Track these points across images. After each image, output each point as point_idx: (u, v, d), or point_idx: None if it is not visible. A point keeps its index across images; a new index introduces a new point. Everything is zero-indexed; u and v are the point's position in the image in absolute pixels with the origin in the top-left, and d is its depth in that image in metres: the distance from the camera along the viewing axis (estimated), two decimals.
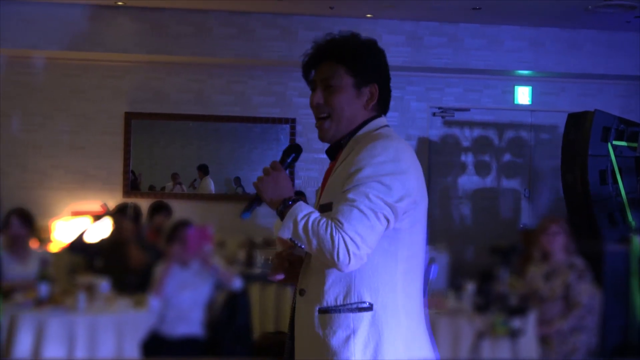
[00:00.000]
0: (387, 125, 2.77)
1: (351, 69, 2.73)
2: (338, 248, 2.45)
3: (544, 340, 5.91)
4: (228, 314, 6.18)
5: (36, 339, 5.34)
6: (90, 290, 5.71)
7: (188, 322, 5.91)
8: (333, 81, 2.74)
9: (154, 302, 5.79)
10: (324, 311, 2.61)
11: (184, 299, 5.91)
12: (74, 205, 9.69)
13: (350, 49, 2.76)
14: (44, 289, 5.63)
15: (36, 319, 5.37)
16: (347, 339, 2.57)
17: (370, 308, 2.57)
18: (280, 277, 2.83)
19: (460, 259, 9.81)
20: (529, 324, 5.65)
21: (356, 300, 2.57)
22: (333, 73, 2.74)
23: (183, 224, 6.08)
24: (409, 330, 2.63)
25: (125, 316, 5.62)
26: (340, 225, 2.46)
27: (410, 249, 2.64)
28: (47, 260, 6.20)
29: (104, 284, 5.80)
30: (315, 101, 2.77)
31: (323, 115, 2.76)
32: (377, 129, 2.73)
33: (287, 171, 2.78)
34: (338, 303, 2.59)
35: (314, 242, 2.49)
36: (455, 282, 6.18)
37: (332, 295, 2.60)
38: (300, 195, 2.67)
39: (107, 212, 7.15)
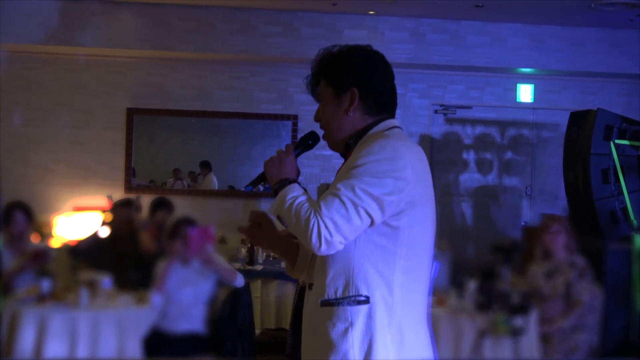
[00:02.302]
0: (396, 127, 2.80)
1: (329, 80, 2.83)
2: (311, 231, 2.52)
3: (545, 339, 5.92)
4: (229, 310, 6.19)
5: (38, 334, 5.36)
6: (92, 286, 5.72)
7: (190, 319, 5.92)
8: (320, 96, 2.86)
9: (155, 298, 5.80)
10: (326, 304, 2.67)
11: (186, 296, 5.92)
12: (75, 200, 9.70)
13: (327, 61, 2.85)
14: (46, 285, 5.63)
15: (38, 314, 5.39)
16: (346, 331, 2.62)
17: (367, 301, 2.62)
18: (246, 231, 2.98)
19: (461, 257, 9.81)
20: (531, 323, 5.66)
21: (354, 294, 2.62)
22: (322, 89, 2.85)
23: (185, 222, 6.09)
24: (404, 328, 2.66)
25: (127, 312, 5.63)
26: (319, 210, 2.53)
27: (411, 248, 2.67)
28: (49, 255, 6.20)
29: (105, 280, 5.81)
30: (314, 118, 2.90)
31: (323, 128, 2.88)
32: (385, 131, 2.76)
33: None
34: (338, 296, 2.64)
35: (294, 221, 2.57)
36: (456, 280, 6.18)
37: (332, 288, 2.66)
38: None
39: (114, 206, 7.13)
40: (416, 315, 2.73)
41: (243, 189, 2.85)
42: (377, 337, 2.61)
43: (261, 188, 2.89)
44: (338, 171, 2.78)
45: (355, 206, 2.54)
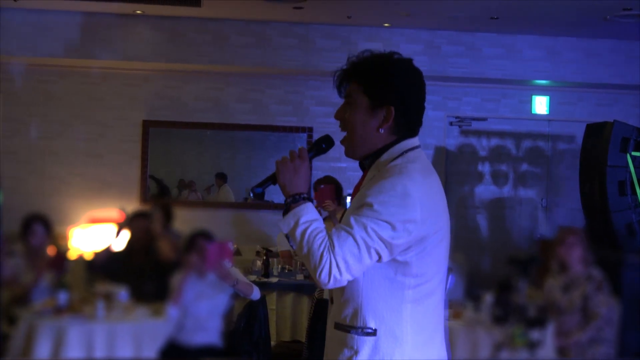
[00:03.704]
0: (414, 148, 2.74)
1: (367, 89, 2.73)
2: (322, 268, 2.50)
3: (562, 352, 5.89)
4: (245, 323, 6.19)
5: (55, 346, 5.36)
6: (109, 298, 5.73)
7: (206, 331, 5.91)
8: (352, 98, 2.76)
9: (172, 311, 5.79)
10: (338, 327, 2.68)
11: (202, 308, 5.91)
12: (91, 212, 9.72)
13: (367, 69, 2.75)
14: (62, 297, 5.65)
15: (55, 327, 5.40)
16: (350, 359, 2.63)
17: (374, 333, 2.61)
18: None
19: (477, 269, 9.79)
20: (547, 336, 5.63)
21: (361, 325, 2.62)
22: (353, 91, 2.76)
23: (202, 235, 6.08)
24: (415, 356, 2.62)
25: (144, 325, 5.63)
26: (332, 248, 2.50)
27: (420, 279, 2.64)
28: (66, 267, 6.23)
29: (122, 293, 5.82)
30: (335, 114, 2.81)
31: (344, 130, 2.79)
32: (402, 154, 2.70)
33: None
34: (347, 323, 2.65)
35: (305, 249, 2.54)
36: (473, 293, 6.16)
37: (343, 313, 2.67)
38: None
39: (130, 218, 7.12)
40: (429, 339, 2.70)
41: (250, 191, 2.81)
42: None
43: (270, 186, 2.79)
44: (357, 189, 2.76)
45: (368, 247, 2.52)
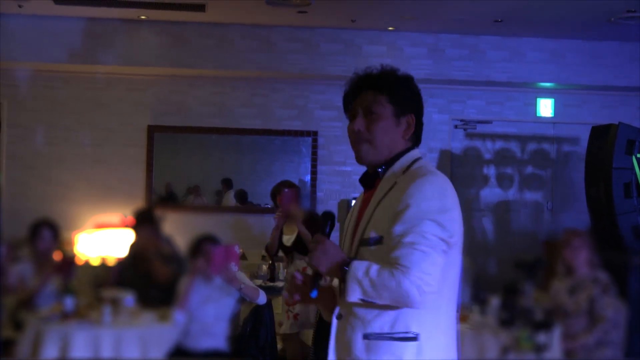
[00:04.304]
0: (421, 158, 2.84)
1: (391, 98, 2.81)
2: (409, 292, 2.53)
3: (569, 355, 5.88)
4: (252, 327, 6.19)
5: (62, 352, 5.36)
6: (115, 303, 5.73)
7: (212, 336, 5.91)
8: (375, 108, 2.82)
9: (178, 316, 5.80)
10: (369, 337, 2.67)
11: (208, 313, 5.91)
12: (97, 217, 9.73)
13: (391, 79, 2.85)
14: (69, 303, 5.65)
15: (62, 332, 5.40)
16: None
17: (415, 338, 2.63)
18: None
19: (483, 273, 9.77)
20: (554, 339, 5.62)
21: (403, 330, 2.63)
22: (375, 101, 2.81)
23: (208, 240, 6.08)
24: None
25: (150, 330, 5.63)
26: (407, 269, 2.54)
27: (452, 280, 2.71)
28: (74, 266, 6.24)
29: (128, 298, 5.82)
30: (356, 127, 2.83)
31: (363, 140, 2.82)
32: (414, 161, 2.80)
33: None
34: (384, 331, 2.65)
35: (385, 295, 2.57)
36: (479, 296, 6.15)
37: (378, 322, 2.66)
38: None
39: (135, 224, 7.09)
40: (453, 339, 2.76)
41: (311, 296, 2.80)
42: None
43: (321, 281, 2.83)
44: (366, 203, 2.80)
45: (436, 249, 2.58)
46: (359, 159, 2.85)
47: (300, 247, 7.17)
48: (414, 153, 2.84)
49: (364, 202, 2.85)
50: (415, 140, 2.87)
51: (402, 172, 2.77)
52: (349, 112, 2.89)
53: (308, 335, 7.55)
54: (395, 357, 2.62)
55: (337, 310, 2.78)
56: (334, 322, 2.77)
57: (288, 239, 7.33)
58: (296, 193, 7.60)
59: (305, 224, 7.50)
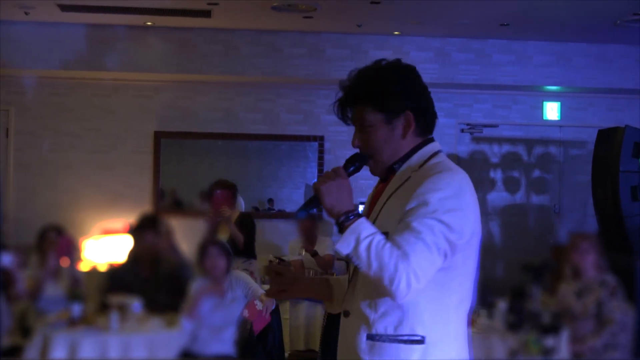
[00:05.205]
0: (440, 151, 2.72)
1: (376, 105, 2.65)
2: (400, 279, 2.39)
3: (577, 358, 5.87)
4: (259, 332, 6.18)
5: (69, 358, 5.37)
6: (123, 310, 5.73)
7: (220, 341, 5.92)
8: (364, 122, 2.67)
9: (186, 323, 5.79)
10: (373, 338, 2.57)
11: (216, 318, 5.92)
12: (104, 223, 9.75)
13: (372, 85, 2.67)
14: (76, 309, 5.66)
15: (69, 339, 5.40)
16: None
17: (422, 341, 2.52)
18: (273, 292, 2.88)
19: (490, 276, 9.76)
20: (562, 342, 5.60)
21: (408, 332, 2.53)
22: (363, 114, 2.67)
23: (212, 244, 6.10)
24: None
25: (158, 336, 5.63)
26: (406, 256, 2.40)
27: (463, 282, 2.60)
28: (79, 279, 6.24)
29: (136, 304, 5.82)
30: (354, 144, 2.72)
31: (367, 154, 2.70)
32: (433, 155, 2.67)
33: None
34: (388, 332, 2.55)
35: (374, 265, 2.42)
36: (486, 300, 6.14)
37: (382, 323, 2.56)
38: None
39: (136, 230, 7.08)
40: (466, 342, 2.67)
41: (295, 215, 2.79)
42: None
43: (314, 210, 2.73)
44: (379, 195, 2.71)
45: (439, 249, 2.45)
46: (372, 172, 2.74)
47: (232, 248, 7.12)
48: (431, 147, 2.70)
49: (377, 194, 2.74)
50: (427, 132, 2.72)
51: (418, 166, 2.63)
52: (351, 123, 2.76)
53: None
54: (400, 359, 2.52)
55: (344, 307, 2.71)
56: (342, 319, 2.69)
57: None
58: (229, 194, 7.55)
59: (238, 226, 7.48)
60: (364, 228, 2.48)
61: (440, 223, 2.45)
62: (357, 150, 2.75)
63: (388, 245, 2.43)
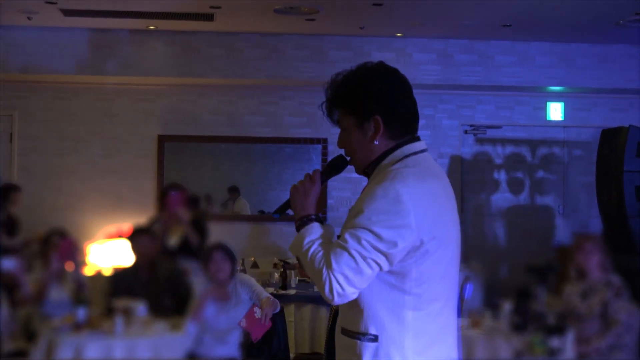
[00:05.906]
0: (418, 152, 2.72)
1: (348, 109, 2.75)
2: (324, 284, 2.55)
3: (582, 359, 5.86)
4: (264, 335, 6.17)
5: None
6: (127, 313, 5.74)
7: (225, 344, 5.92)
8: (341, 124, 2.79)
9: (191, 327, 5.79)
10: (344, 333, 2.71)
11: (221, 321, 5.92)
12: (108, 227, 9.76)
13: (341, 90, 2.75)
14: (81, 313, 5.66)
15: (74, 342, 5.41)
16: None
17: (375, 339, 2.63)
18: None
19: (495, 278, 9.76)
20: (567, 343, 5.60)
21: (364, 331, 2.64)
22: (340, 116, 2.79)
23: (220, 248, 6.09)
24: None
25: (163, 339, 5.63)
26: (330, 265, 2.54)
27: (421, 285, 2.62)
28: (84, 283, 6.25)
29: (140, 308, 5.82)
30: (337, 144, 2.85)
31: (349, 156, 2.82)
32: (402, 158, 2.68)
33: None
34: (351, 329, 2.68)
35: (310, 269, 2.62)
36: (491, 301, 6.14)
37: (348, 319, 2.70)
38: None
39: (132, 234, 7.07)
40: (432, 343, 2.67)
41: (272, 215, 2.88)
42: None
43: (290, 212, 2.83)
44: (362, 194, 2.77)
45: (364, 258, 2.53)
46: (355, 171, 2.83)
47: (186, 250, 7.11)
48: (409, 148, 2.71)
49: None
50: (402, 135, 2.72)
51: (387, 167, 2.68)
52: None
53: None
54: (356, 355, 2.64)
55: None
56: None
57: (173, 242, 7.24)
58: (183, 195, 7.56)
59: (192, 227, 7.48)
60: (309, 233, 2.66)
61: (369, 233, 2.54)
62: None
63: (320, 254, 2.59)
